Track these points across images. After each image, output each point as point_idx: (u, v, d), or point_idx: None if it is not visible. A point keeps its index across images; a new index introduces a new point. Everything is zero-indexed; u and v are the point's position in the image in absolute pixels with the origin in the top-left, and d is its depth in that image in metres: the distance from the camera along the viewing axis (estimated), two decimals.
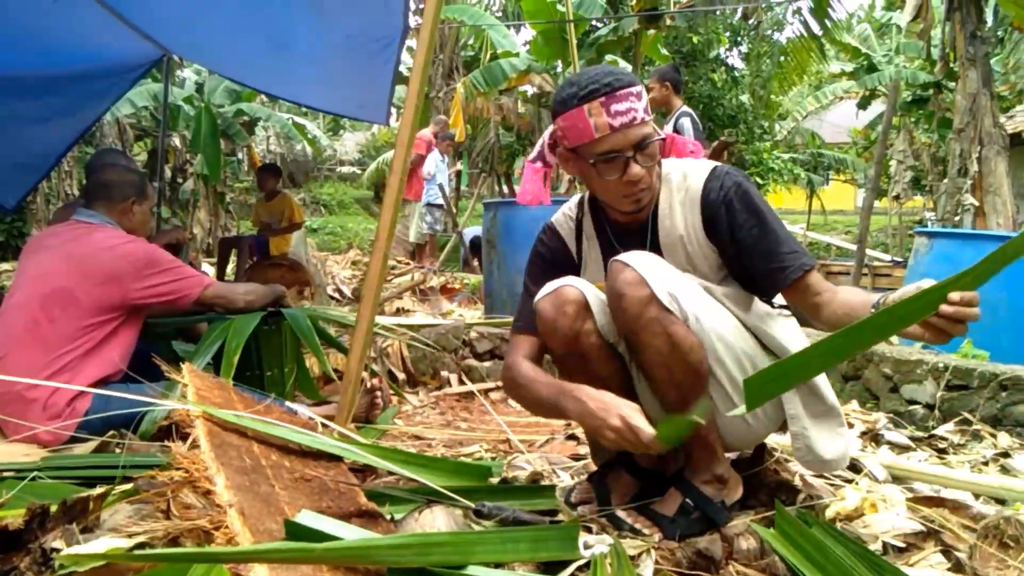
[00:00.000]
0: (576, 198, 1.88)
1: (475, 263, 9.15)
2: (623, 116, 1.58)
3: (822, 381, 1.72)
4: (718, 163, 1.73)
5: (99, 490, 1.52)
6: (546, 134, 1.80)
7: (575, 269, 1.85)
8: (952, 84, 7.53)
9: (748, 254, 1.66)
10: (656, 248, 1.74)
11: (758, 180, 15.33)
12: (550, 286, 1.72)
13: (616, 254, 1.75)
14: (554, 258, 1.87)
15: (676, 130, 4.96)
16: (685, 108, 5.10)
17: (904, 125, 13.37)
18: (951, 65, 6.88)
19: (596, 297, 1.69)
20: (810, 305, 1.65)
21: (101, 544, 1.21)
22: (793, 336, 1.75)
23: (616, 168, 1.62)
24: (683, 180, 1.72)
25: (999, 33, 10.74)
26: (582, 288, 1.69)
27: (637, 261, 1.60)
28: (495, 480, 1.91)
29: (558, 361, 1.80)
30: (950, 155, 6.76)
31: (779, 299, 1.77)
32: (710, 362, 1.63)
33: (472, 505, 1.61)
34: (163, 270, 2.41)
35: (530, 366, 1.73)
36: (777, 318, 1.76)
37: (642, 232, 1.75)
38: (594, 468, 2.00)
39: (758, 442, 1.88)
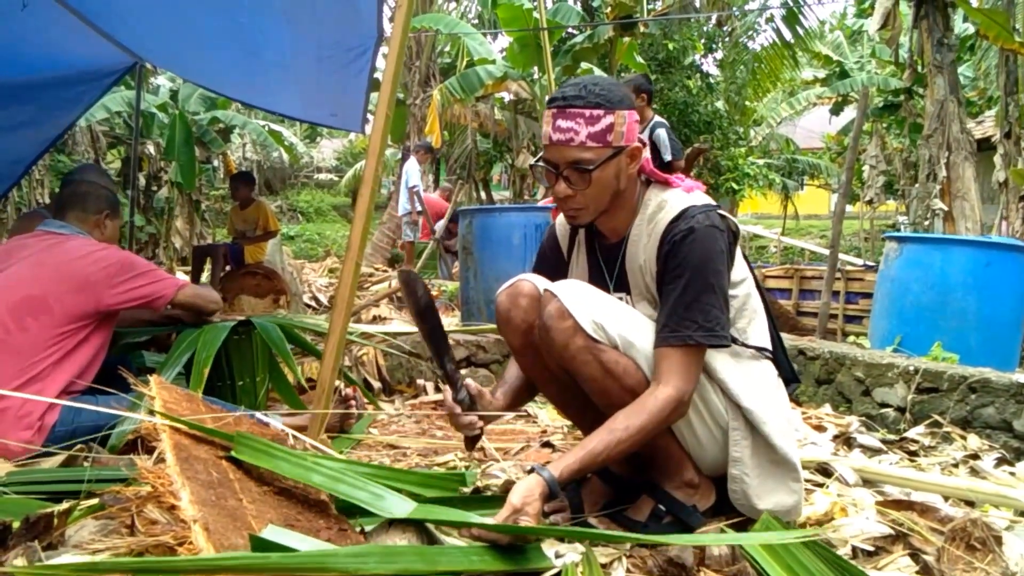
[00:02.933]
0: None
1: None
2: (561, 133, 1.60)
3: (778, 432, 1.68)
4: (696, 203, 1.69)
5: (64, 506, 1.50)
6: None
7: (564, 269, 1.89)
8: (922, 90, 7.64)
9: (663, 297, 1.65)
10: (623, 271, 1.76)
11: (733, 185, 15.47)
12: (510, 281, 1.77)
13: (599, 269, 1.79)
14: (548, 255, 1.94)
15: (652, 140, 4.99)
16: (659, 119, 5.14)
17: (876, 130, 13.55)
18: (920, 71, 6.99)
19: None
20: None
21: (63, 561, 1.19)
22: (743, 378, 1.70)
23: (549, 178, 1.67)
24: (657, 212, 1.71)
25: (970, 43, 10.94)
26: (538, 283, 1.72)
27: (562, 291, 1.63)
28: (468, 489, 1.90)
29: (517, 355, 1.83)
30: (920, 160, 6.86)
31: (757, 339, 1.75)
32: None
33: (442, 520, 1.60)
34: (138, 274, 2.40)
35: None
36: (742, 359, 1.73)
37: (616, 253, 1.78)
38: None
39: (712, 472, 1.80)
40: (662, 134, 4.95)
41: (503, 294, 1.76)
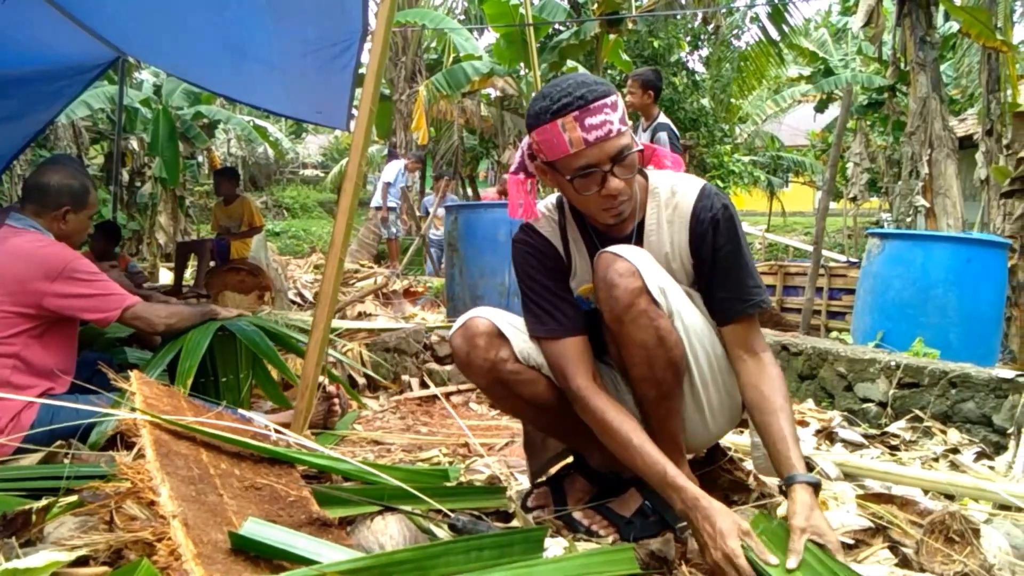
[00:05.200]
0: (553, 198, 1.82)
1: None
2: (598, 130, 1.51)
3: None
4: (704, 181, 1.73)
5: (43, 502, 1.49)
6: (523, 145, 1.75)
7: (564, 268, 1.78)
8: (906, 88, 7.70)
9: (720, 276, 1.67)
10: None
11: (719, 183, 15.53)
12: (460, 319, 1.71)
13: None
14: (542, 256, 1.77)
15: (653, 141, 4.89)
16: (664, 119, 4.95)
17: (860, 128, 13.63)
18: (903, 69, 7.04)
19: (509, 324, 1.68)
20: (736, 354, 1.67)
21: (41, 558, 1.18)
22: None
23: (594, 182, 1.56)
24: (671, 196, 1.70)
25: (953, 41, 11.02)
26: (491, 318, 1.68)
27: (629, 253, 1.59)
28: (451, 484, 1.90)
29: (485, 392, 1.81)
30: (903, 158, 6.91)
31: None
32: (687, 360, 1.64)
33: (427, 510, 1.60)
34: (80, 280, 2.29)
35: (609, 402, 1.63)
36: None
37: (627, 242, 1.73)
38: (551, 472, 2.01)
39: (712, 444, 1.90)
40: (663, 137, 4.79)
41: (457, 335, 1.69)
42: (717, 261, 1.66)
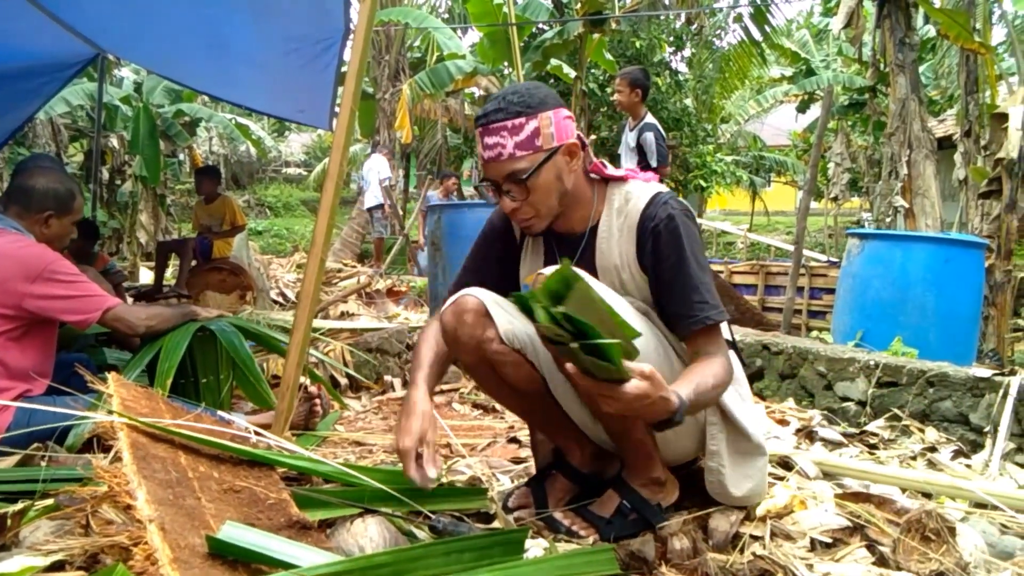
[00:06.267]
0: None
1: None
2: (490, 150, 1.61)
3: (750, 422, 1.73)
4: (662, 189, 1.73)
5: (18, 506, 1.47)
6: None
7: (515, 252, 1.87)
8: (886, 88, 7.77)
9: (664, 290, 1.66)
10: (592, 267, 1.74)
11: (702, 183, 15.61)
12: (453, 297, 1.72)
13: (554, 258, 1.76)
14: (498, 234, 1.89)
15: (640, 144, 4.89)
16: (651, 120, 4.95)
17: (841, 128, 13.74)
18: (882, 70, 7.10)
19: (497, 304, 1.69)
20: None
21: (16, 563, 1.16)
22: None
23: (494, 194, 1.68)
24: (624, 204, 1.72)
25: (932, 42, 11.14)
26: (482, 297, 1.69)
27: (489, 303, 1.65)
28: (432, 486, 1.89)
29: (469, 371, 1.81)
30: (883, 158, 6.97)
31: (724, 331, 1.74)
32: None
33: (407, 512, 1.60)
34: (60, 282, 2.27)
35: (432, 334, 1.75)
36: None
37: (576, 246, 1.76)
38: (534, 472, 2.01)
39: (679, 461, 1.86)
40: (649, 138, 4.80)
41: (448, 312, 1.72)
42: (659, 273, 1.66)
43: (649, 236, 1.66)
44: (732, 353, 1.78)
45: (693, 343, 1.64)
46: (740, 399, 1.75)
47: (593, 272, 1.73)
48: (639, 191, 1.72)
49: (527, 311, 1.30)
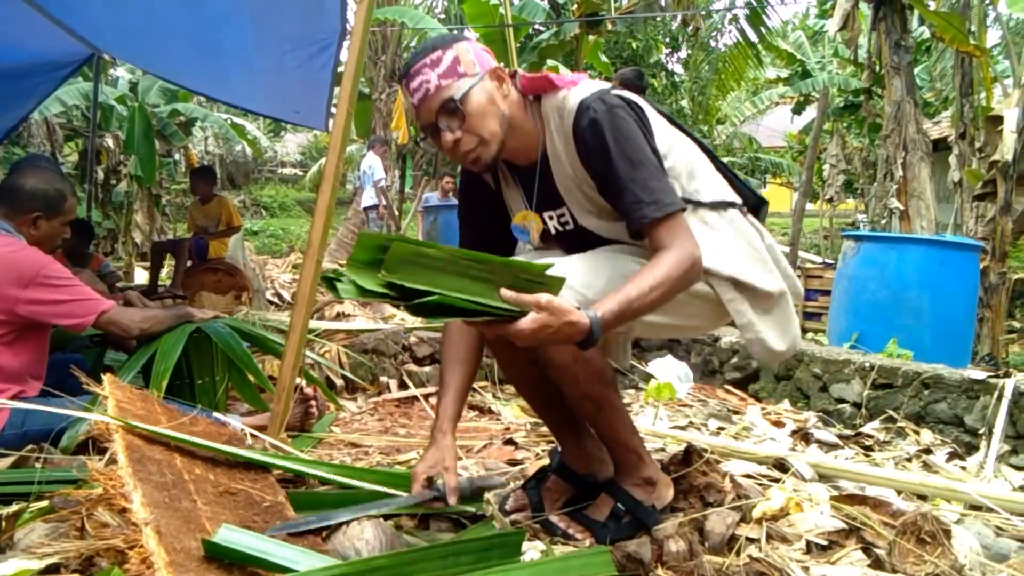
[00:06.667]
0: None
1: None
2: (417, 93, 1.59)
3: (765, 280, 1.70)
4: (587, 93, 1.63)
5: (13, 508, 1.47)
6: None
7: (491, 195, 1.85)
8: (881, 90, 7.79)
9: (608, 193, 1.61)
10: (554, 190, 1.70)
11: None
12: None
13: (530, 193, 1.74)
14: (471, 187, 1.88)
15: None
16: None
17: (837, 130, 13.78)
18: (878, 72, 7.12)
19: None
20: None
21: (11, 566, 1.16)
22: (718, 247, 1.66)
23: (436, 142, 1.63)
24: (560, 120, 1.65)
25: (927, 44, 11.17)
26: None
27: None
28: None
29: (490, 346, 1.83)
30: (878, 160, 6.99)
31: (711, 193, 1.71)
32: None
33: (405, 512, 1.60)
34: (53, 286, 2.25)
35: (456, 342, 1.76)
36: (708, 223, 1.68)
37: (534, 175, 1.72)
38: (530, 474, 2.01)
39: (701, 333, 1.85)
40: None
41: None
42: (597, 180, 1.62)
43: (581, 145, 1.61)
44: (732, 210, 1.73)
45: (650, 241, 1.58)
46: (750, 262, 1.70)
47: (557, 194, 1.70)
48: (571, 100, 1.64)
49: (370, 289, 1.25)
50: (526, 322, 1.31)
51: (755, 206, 1.87)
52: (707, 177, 1.74)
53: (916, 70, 8.19)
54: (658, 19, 13.47)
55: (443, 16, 14.98)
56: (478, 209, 1.88)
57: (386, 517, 1.61)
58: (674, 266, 1.51)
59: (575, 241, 1.74)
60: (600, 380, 1.64)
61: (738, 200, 1.78)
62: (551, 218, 1.75)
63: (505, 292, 1.31)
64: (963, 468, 2.58)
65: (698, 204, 1.68)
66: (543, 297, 1.32)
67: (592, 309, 1.40)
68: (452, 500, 1.60)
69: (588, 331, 1.37)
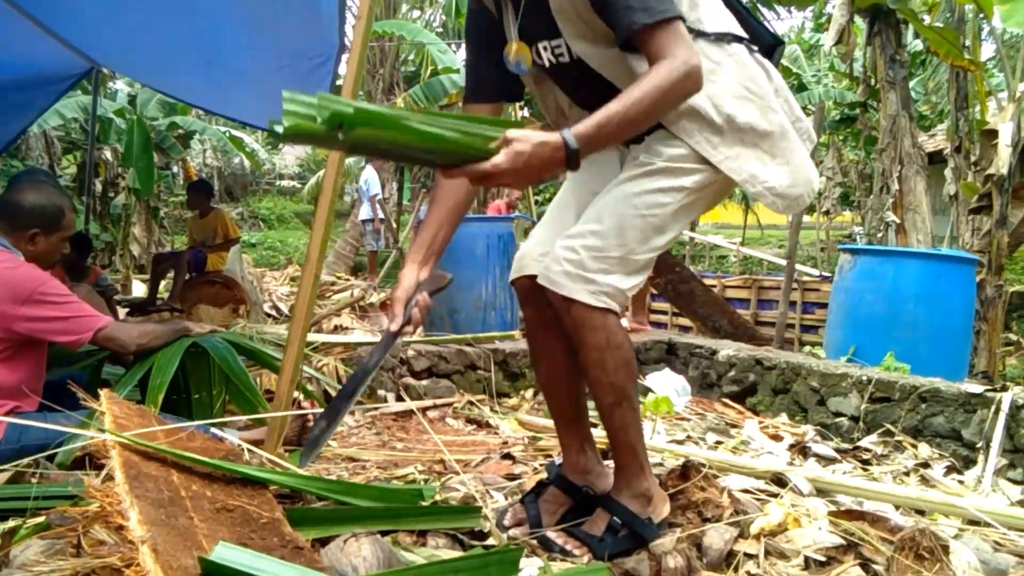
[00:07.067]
0: None
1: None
2: None
3: (753, 115, 1.63)
4: None
5: (9, 524, 1.46)
6: None
7: (495, 25, 1.76)
8: (877, 104, 7.84)
9: (597, 9, 1.53)
10: (549, 17, 1.63)
11: None
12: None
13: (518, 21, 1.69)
14: (477, 14, 1.81)
15: None
16: None
17: (833, 143, 13.84)
18: (873, 86, 7.16)
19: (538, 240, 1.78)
20: None
21: None
22: (721, 86, 1.60)
23: None
24: None
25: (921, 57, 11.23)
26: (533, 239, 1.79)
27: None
28: (426, 503, 1.89)
29: (528, 332, 1.90)
30: (874, 173, 7.02)
31: (715, 23, 1.64)
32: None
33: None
34: (50, 303, 2.25)
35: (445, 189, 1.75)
36: (709, 57, 1.60)
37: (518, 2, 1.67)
38: (528, 488, 2.01)
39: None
40: None
41: (523, 246, 1.84)
42: None
43: None
44: (736, 45, 1.67)
45: (643, 53, 1.50)
46: (744, 99, 1.64)
47: (552, 23, 1.63)
48: None
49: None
50: (499, 156, 1.34)
51: (769, 46, 1.78)
52: (711, 6, 1.68)
53: (911, 83, 8.24)
54: None
55: (441, 30, 15.05)
56: (482, 45, 1.81)
57: (384, 534, 1.60)
58: (663, 76, 1.43)
59: (570, 77, 1.72)
60: (627, 370, 1.66)
61: (744, 35, 1.70)
62: (545, 49, 1.70)
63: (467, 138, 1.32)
64: (961, 482, 2.57)
65: (699, 34, 1.61)
66: (508, 131, 1.35)
67: (564, 129, 1.39)
68: (393, 327, 1.58)
69: (563, 145, 1.38)
